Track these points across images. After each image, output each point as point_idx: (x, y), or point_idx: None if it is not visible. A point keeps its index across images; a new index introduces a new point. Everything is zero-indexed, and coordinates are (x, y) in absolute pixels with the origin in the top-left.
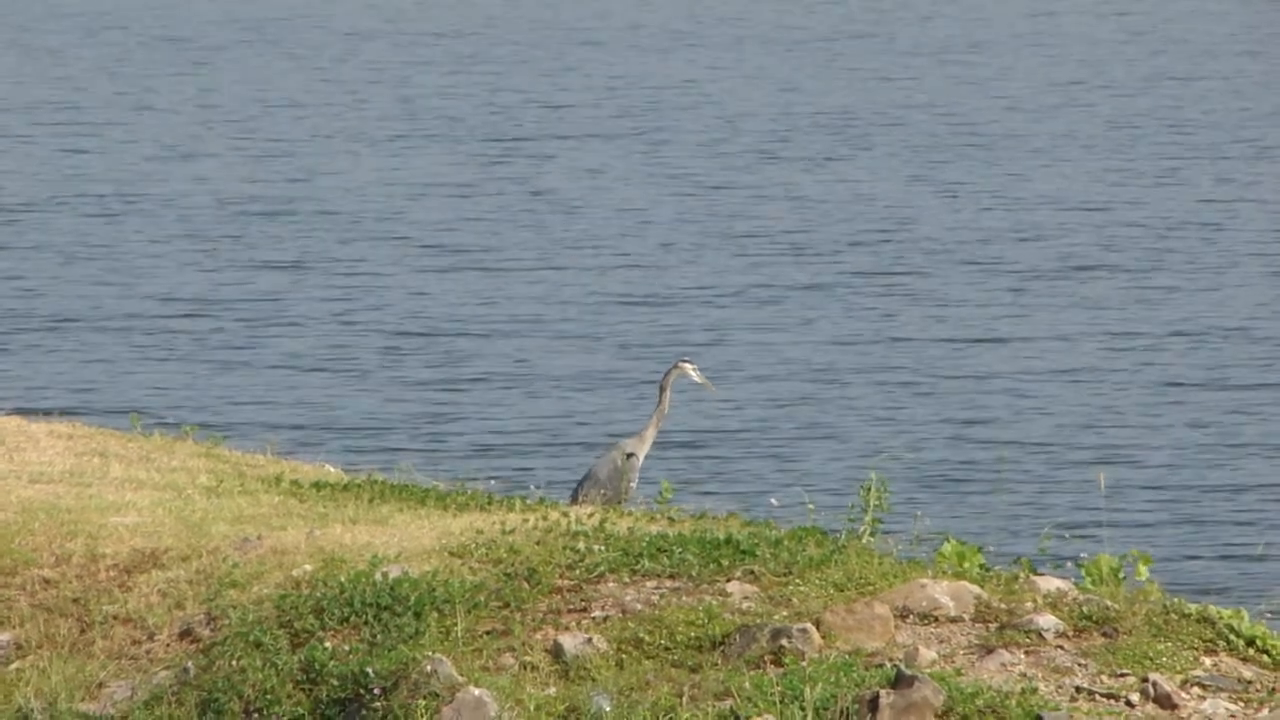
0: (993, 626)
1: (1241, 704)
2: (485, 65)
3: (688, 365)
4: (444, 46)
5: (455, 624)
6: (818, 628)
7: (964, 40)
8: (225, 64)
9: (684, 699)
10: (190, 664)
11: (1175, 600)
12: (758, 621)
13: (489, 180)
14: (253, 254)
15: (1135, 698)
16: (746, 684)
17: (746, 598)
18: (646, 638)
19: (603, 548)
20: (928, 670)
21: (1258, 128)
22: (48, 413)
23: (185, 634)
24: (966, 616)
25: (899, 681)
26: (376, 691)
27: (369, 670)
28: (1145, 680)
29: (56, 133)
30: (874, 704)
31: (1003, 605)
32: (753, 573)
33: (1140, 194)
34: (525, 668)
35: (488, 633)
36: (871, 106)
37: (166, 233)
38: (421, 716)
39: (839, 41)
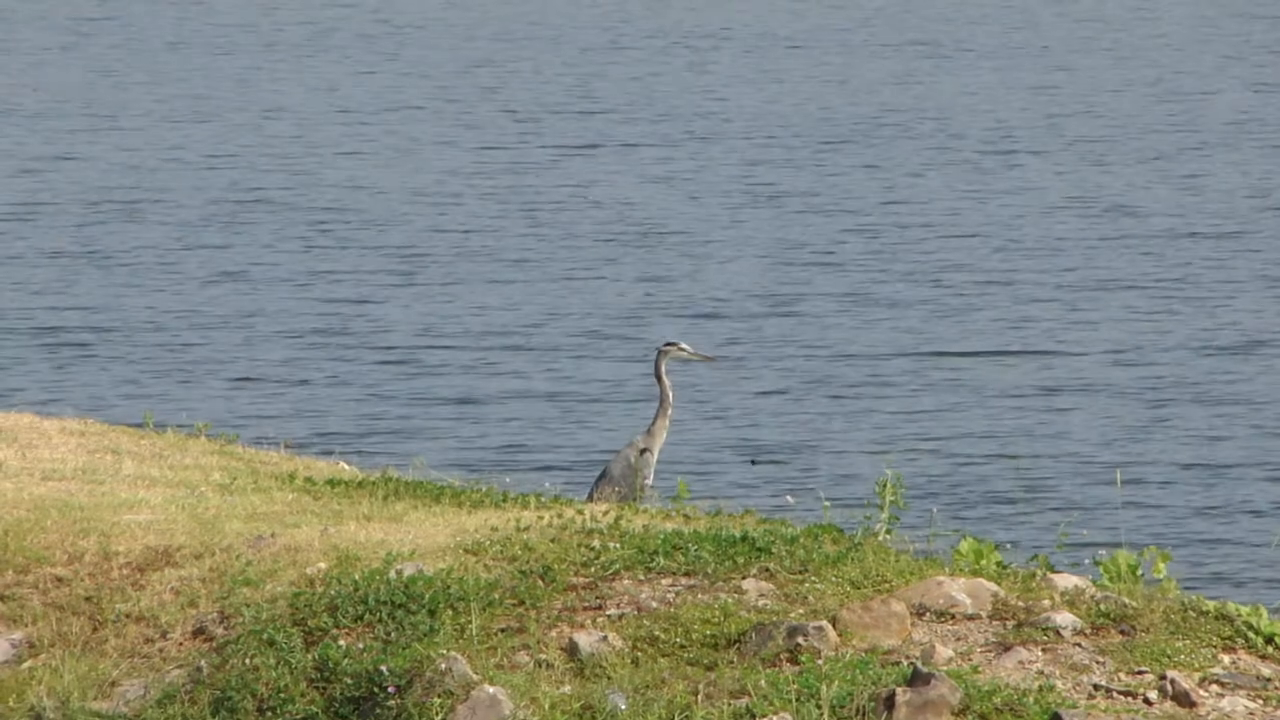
0: (1010, 624)
1: (1260, 701)
2: (505, 67)
3: (674, 346)
4: (468, 46)
5: (470, 622)
6: (834, 625)
7: (990, 43)
8: (252, 65)
9: (699, 697)
10: (203, 662)
11: (1193, 597)
12: (774, 619)
13: (518, 186)
14: (260, 260)
15: (1153, 695)
16: (762, 682)
17: (762, 595)
18: (662, 635)
19: (618, 545)
20: (944, 668)
21: None
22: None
23: (198, 632)
24: (983, 614)
25: (915, 679)
26: (391, 690)
27: (383, 668)
28: (1163, 678)
29: (61, 136)
30: (890, 702)
31: (1020, 603)
32: (768, 570)
33: (1161, 201)
34: (540, 666)
35: (502, 630)
36: (883, 111)
37: (181, 238)
38: (436, 715)
39: (867, 45)
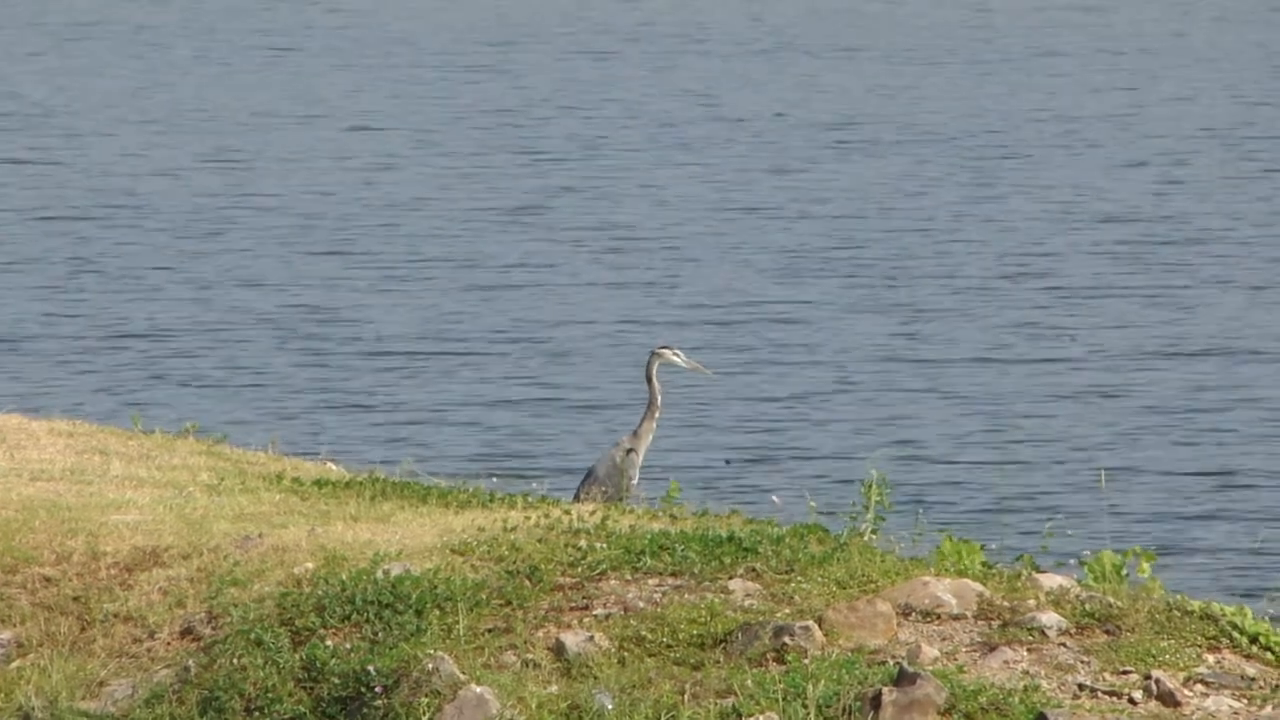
0: (995, 624)
1: (1245, 701)
2: (493, 70)
3: (668, 350)
4: (455, 49)
5: (457, 622)
6: (820, 625)
7: (993, 47)
8: (237, 70)
9: (686, 697)
10: (191, 662)
11: (1178, 597)
12: (760, 619)
13: (506, 191)
14: (248, 264)
15: (1138, 695)
16: (749, 682)
17: (749, 595)
18: (649, 635)
19: (605, 545)
20: (930, 668)
21: None
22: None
23: (186, 632)
24: (969, 614)
25: (901, 679)
26: (378, 690)
27: (370, 668)
28: (1148, 677)
29: (48, 142)
30: (876, 701)
31: (1005, 602)
32: (755, 570)
33: (1148, 206)
34: (527, 666)
35: (489, 630)
36: (872, 117)
37: (169, 242)
38: (423, 714)
39: (854, 50)
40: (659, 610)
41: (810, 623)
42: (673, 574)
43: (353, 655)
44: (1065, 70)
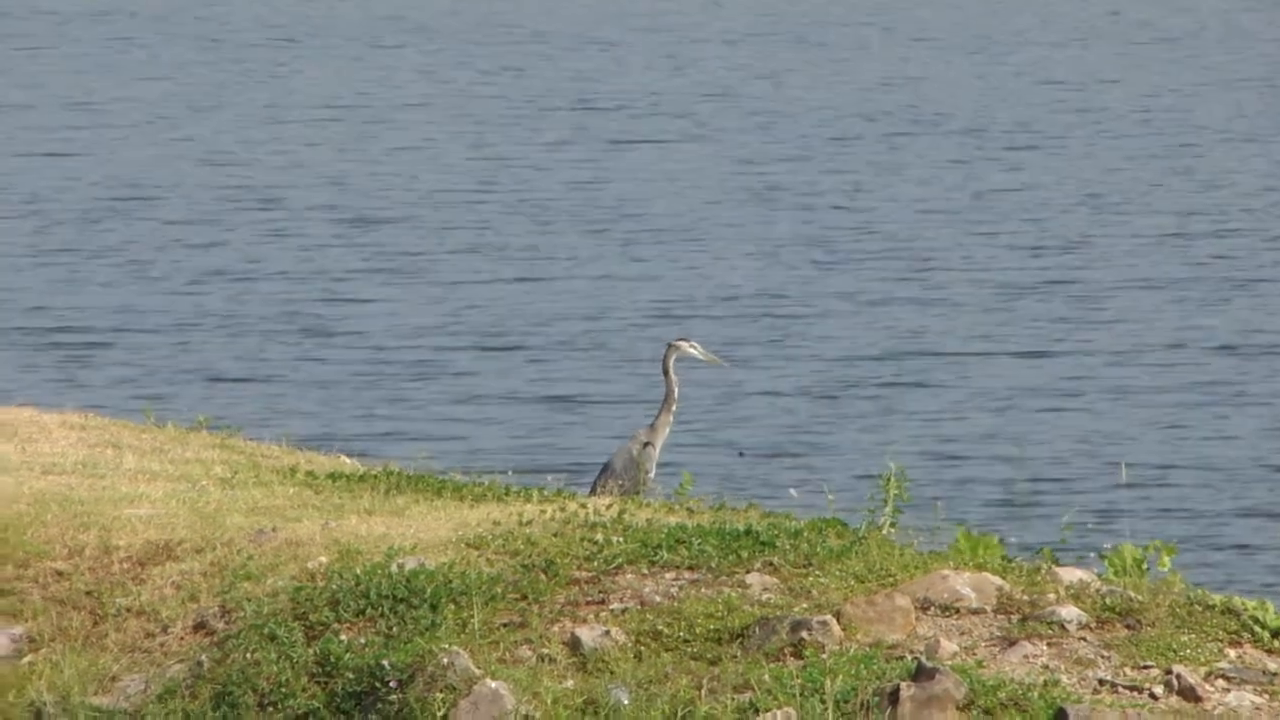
0: (1015, 618)
1: (1267, 696)
2: (503, 63)
3: (684, 343)
4: (464, 42)
5: (472, 616)
6: (838, 619)
7: (1006, 35)
8: (247, 61)
9: (703, 691)
10: (204, 657)
11: (1199, 591)
12: (777, 613)
13: (520, 184)
14: (262, 257)
15: (1159, 690)
16: (766, 676)
17: (766, 589)
18: (665, 630)
19: (621, 539)
20: (949, 662)
21: None
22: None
23: (199, 627)
24: (988, 608)
25: (920, 674)
26: (392, 684)
27: (385, 663)
28: (1169, 672)
29: (61, 132)
30: (895, 696)
31: (1025, 596)
32: (772, 564)
33: (1168, 198)
34: (543, 660)
35: (505, 625)
36: (884, 108)
37: (182, 234)
38: (438, 709)
39: (865, 40)
40: (676, 604)
41: (828, 617)
42: (689, 568)
43: (367, 650)
44: (1089, 59)
